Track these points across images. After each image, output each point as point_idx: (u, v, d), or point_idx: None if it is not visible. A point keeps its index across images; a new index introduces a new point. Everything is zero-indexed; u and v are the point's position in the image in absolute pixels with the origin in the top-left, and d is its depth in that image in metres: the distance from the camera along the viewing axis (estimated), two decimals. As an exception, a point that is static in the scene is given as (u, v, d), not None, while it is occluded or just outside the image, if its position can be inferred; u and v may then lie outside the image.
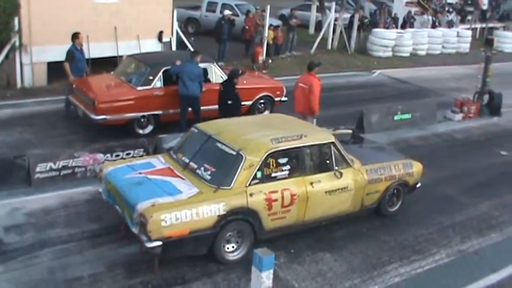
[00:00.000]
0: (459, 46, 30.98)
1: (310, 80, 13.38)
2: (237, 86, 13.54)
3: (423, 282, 8.99)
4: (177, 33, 20.54)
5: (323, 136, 9.95)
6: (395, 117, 16.38)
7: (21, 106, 15.52)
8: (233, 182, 8.66)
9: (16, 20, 16.28)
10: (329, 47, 27.30)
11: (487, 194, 12.43)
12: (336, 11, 27.25)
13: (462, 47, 31.02)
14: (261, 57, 22.22)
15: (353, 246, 9.77)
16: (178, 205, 8.18)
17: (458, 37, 31.02)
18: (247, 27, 24.50)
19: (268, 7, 23.24)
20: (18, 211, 9.93)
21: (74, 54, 14.34)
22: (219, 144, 9.21)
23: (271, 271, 7.26)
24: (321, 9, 30.99)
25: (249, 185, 8.76)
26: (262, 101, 15.69)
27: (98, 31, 16.62)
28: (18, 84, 16.88)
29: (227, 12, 24.19)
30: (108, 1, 18.02)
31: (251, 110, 15.39)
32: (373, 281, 8.85)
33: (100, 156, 11.41)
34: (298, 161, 9.37)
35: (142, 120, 13.85)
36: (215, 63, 15.04)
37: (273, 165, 9.05)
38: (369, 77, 23.54)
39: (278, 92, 15.95)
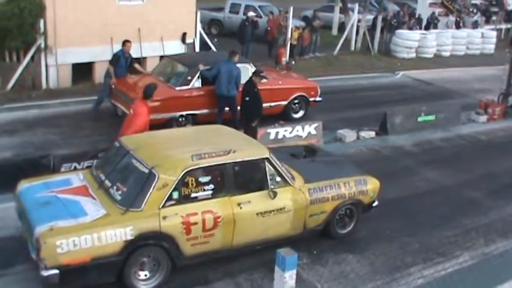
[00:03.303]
0: (484, 47, 30.65)
1: (136, 108, 10.90)
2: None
3: (447, 284, 8.94)
4: (201, 34, 20.59)
5: (255, 152, 8.96)
6: (419, 119, 16.27)
7: (47, 107, 15.70)
8: (144, 203, 7.83)
9: (41, 22, 16.47)
10: (352, 48, 27.20)
11: (512, 196, 12.32)
12: (359, 12, 27.15)
13: (487, 48, 30.69)
14: (284, 59, 22.21)
15: (376, 248, 9.74)
16: (78, 230, 7.43)
17: (483, 38, 30.69)
18: (269, 28, 24.52)
19: (292, 8, 23.23)
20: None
21: (119, 59, 14.66)
22: (134, 161, 8.37)
23: (295, 271, 7.27)
24: (344, 10, 30.92)
25: (163, 206, 7.92)
26: (296, 101, 15.79)
27: (122, 33, 16.69)
28: (44, 86, 17.06)
29: (251, 13, 24.25)
30: (132, 3, 18.14)
31: (286, 110, 15.56)
32: (396, 283, 8.83)
33: (124, 156, 11.43)
34: (224, 179, 8.42)
35: (180, 119, 13.99)
36: (251, 64, 15.11)
37: (192, 184, 8.16)
38: (392, 78, 23.41)
39: (313, 92, 16.05)
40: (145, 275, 8.07)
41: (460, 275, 9.21)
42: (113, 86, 14.40)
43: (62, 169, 10.84)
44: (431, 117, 16.48)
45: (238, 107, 13.82)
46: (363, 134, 15.05)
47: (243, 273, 8.70)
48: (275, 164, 8.90)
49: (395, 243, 9.98)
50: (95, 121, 14.67)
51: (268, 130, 13.41)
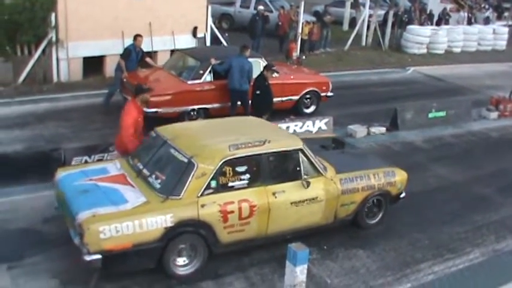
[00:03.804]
0: (495, 43, 30.52)
1: (125, 107, 10.34)
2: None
3: (457, 281, 8.92)
4: (211, 29, 20.61)
5: (290, 142, 9.12)
6: (430, 115, 16.23)
7: (58, 100, 15.73)
8: (183, 191, 7.99)
9: (53, 15, 16.49)
10: (363, 43, 27.16)
11: (523, 193, 12.26)
12: (370, 8, 27.09)
13: (498, 44, 30.56)
14: (295, 53, 22.17)
15: (386, 244, 9.73)
16: (120, 216, 7.62)
17: (495, 34, 30.57)
18: (280, 23, 24.51)
19: (303, 3, 23.18)
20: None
21: (130, 53, 14.70)
22: (172, 150, 8.52)
23: (306, 266, 7.27)
24: (355, 5, 30.82)
25: (201, 195, 8.08)
26: (308, 96, 15.79)
27: (132, 27, 16.72)
28: (55, 79, 17.09)
29: (261, 8, 24.24)
30: (143, -3, 18.19)
31: (297, 105, 15.58)
32: (406, 279, 8.81)
33: (135, 150, 11.46)
34: (260, 169, 8.60)
35: (192, 113, 14.02)
36: (263, 58, 15.14)
37: (229, 173, 8.32)
38: (403, 74, 23.36)
39: (324, 87, 16.03)
40: (184, 261, 8.24)
41: (470, 271, 9.18)
42: (125, 80, 14.43)
43: (73, 162, 10.89)
44: (442, 114, 16.43)
45: (250, 101, 13.84)
46: (373, 129, 15.02)
47: (254, 267, 8.70)
48: (308, 155, 9.05)
49: (405, 239, 9.96)
50: (106, 115, 14.68)
51: (279, 125, 13.40)
